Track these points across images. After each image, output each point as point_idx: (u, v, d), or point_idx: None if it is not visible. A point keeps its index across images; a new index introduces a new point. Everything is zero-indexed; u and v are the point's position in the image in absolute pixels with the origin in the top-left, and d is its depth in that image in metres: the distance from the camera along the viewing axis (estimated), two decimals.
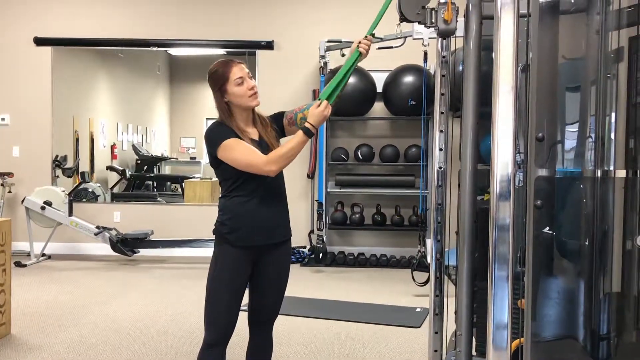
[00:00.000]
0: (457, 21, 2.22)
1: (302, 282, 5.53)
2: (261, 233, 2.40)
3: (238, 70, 2.38)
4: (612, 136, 1.95)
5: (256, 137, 2.44)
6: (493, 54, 1.79)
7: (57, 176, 7.07)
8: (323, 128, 6.38)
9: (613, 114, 1.96)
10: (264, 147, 2.42)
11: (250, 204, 2.37)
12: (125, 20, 6.89)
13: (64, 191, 6.48)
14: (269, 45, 6.74)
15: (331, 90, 2.34)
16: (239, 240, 2.37)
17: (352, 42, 2.39)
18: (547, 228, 1.90)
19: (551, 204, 1.92)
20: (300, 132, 2.30)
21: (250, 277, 2.45)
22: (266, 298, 2.49)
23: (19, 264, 6.04)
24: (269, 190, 2.42)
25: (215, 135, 2.36)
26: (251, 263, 2.41)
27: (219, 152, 2.33)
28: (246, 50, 6.79)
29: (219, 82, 2.39)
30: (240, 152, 2.32)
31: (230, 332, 2.40)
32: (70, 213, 6.34)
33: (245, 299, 2.47)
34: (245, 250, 2.38)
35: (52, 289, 5.18)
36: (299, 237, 6.58)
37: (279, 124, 2.56)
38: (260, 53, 6.74)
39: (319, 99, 2.34)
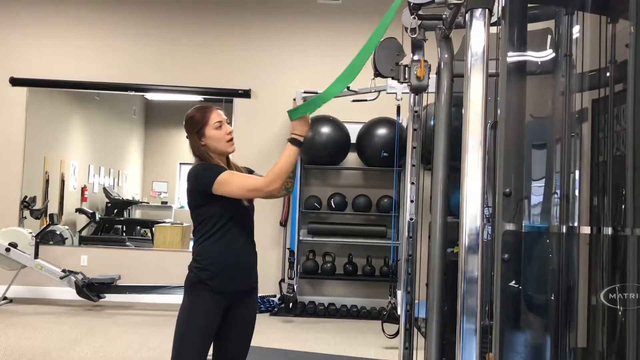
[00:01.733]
0: (429, 78, 2.30)
1: (271, 332, 5.44)
2: (241, 277, 2.41)
3: (216, 116, 2.43)
4: (577, 193, 2.01)
5: None
6: (463, 111, 1.85)
7: (25, 217, 6.93)
8: (297, 176, 6.41)
9: (577, 172, 2.03)
10: None
11: (233, 247, 2.37)
12: (103, 64, 6.92)
13: (30, 233, 6.34)
14: (246, 94, 6.82)
15: (311, 108, 2.32)
16: (221, 285, 2.35)
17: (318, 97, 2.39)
18: (514, 282, 1.92)
19: (518, 258, 1.96)
20: (288, 144, 2.32)
21: (220, 325, 2.42)
22: (233, 346, 2.45)
23: None
24: (248, 233, 2.44)
25: (208, 173, 2.35)
26: (223, 310, 2.39)
27: (215, 187, 2.31)
28: (223, 97, 6.86)
29: (197, 125, 2.41)
30: (238, 181, 2.33)
31: None
32: (36, 255, 6.18)
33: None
34: (224, 296, 2.36)
35: (12, 334, 5.01)
36: (269, 286, 6.51)
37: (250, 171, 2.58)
38: (237, 101, 6.81)
39: (296, 116, 2.32)
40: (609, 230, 1.92)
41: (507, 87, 1.87)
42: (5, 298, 6.25)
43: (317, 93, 6.44)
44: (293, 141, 2.32)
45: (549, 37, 2.08)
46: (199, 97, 7.00)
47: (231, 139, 2.44)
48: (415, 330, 2.37)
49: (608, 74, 1.95)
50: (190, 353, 2.32)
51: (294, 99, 2.43)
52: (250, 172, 2.58)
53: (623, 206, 1.91)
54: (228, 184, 2.31)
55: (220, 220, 2.36)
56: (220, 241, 2.37)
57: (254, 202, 2.53)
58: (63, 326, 5.37)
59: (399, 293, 5.77)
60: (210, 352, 2.46)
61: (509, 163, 1.89)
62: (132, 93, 7.11)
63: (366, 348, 4.97)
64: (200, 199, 2.37)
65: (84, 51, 6.93)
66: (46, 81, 6.87)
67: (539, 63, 2.15)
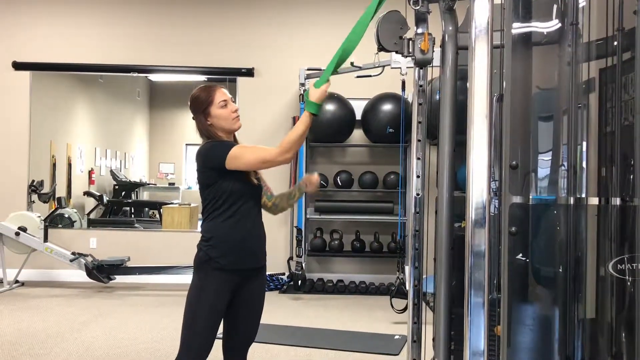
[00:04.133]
0: (433, 51, 2.27)
1: (280, 310, 5.48)
2: (250, 255, 2.43)
3: (221, 94, 2.44)
4: (584, 164, 2.00)
5: None
6: (468, 84, 1.83)
7: (33, 201, 6.97)
8: (303, 154, 6.41)
9: (584, 143, 2.01)
10: (255, 172, 2.46)
11: (242, 225, 2.39)
12: (106, 46, 6.89)
13: (39, 217, 6.38)
14: (249, 72, 6.78)
15: (331, 71, 2.32)
16: (230, 263, 2.37)
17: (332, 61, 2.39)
18: (521, 255, 1.92)
19: (525, 231, 1.95)
20: (306, 113, 2.30)
21: (230, 304, 2.44)
22: (243, 324, 2.47)
23: None
24: (257, 212, 2.46)
25: (220, 148, 2.37)
26: (233, 288, 2.40)
27: (228, 162, 2.32)
28: (227, 77, 6.83)
29: (202, 105, 2.42)
30: (251, 152, 2.35)
31: (205, 359, 2.38)
32: (46, 239, 6.23)
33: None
34: (233, 274, 2.38)
35: (25, 316, 5.07)
36: (278, 264, 6.55)
37: None
38: (240, 80, 6.78)
39: (321, 81, 2.32)
40: (617, 201, 1.91)
41: (513, 58, 1.85)
42: (17, 281, 6.32)
43: (320, 70, 6.42)
44: (313, 110, 2.31)
45: (555, 6, 2.04)
46: (203, 77, 6.96)
47: (237, 117, 2.46)
48: (424, 304, 2.38)
49: (615, 43, 1.92)
50: (200, 331, 2.34)
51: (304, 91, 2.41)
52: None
53: (631, 176, 1.90)
54: (242, 156, 2.33)
55: (229, 199, 2.37)
56: (230, 219, 2.38)
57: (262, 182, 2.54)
58: (74, 308, 5.43)
59: (407, 268, 5.79)
60: (221, 329, 2.48)
61: (516, 135, 1.87)
62: (135, 74, 7.07)
63: (375, 323, 5.00)
64: (211, 177, 2.37)
65: (85, 33, 6.89)
66: (49, 64, 6.85)
67: (545, 33, 2.11)
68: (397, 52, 2.31)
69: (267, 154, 2.33)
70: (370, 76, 5.74)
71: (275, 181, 6.64)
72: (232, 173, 2.35)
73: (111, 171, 8.88)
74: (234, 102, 2.49)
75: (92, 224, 7.98)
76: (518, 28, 1.95)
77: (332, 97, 6.27)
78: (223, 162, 2.32)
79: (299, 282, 6.24)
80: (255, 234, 2.45)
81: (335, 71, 2.32)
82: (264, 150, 2.36)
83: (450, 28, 2.22)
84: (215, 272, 2.36)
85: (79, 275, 6.36)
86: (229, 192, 2.36)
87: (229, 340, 2.49)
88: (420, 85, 2.39)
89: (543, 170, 2.05)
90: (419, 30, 2.31)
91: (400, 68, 5.55)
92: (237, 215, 2.38)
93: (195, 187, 2.55)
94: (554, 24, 2.08)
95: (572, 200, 1.95)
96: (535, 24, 2.05)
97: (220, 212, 2.39)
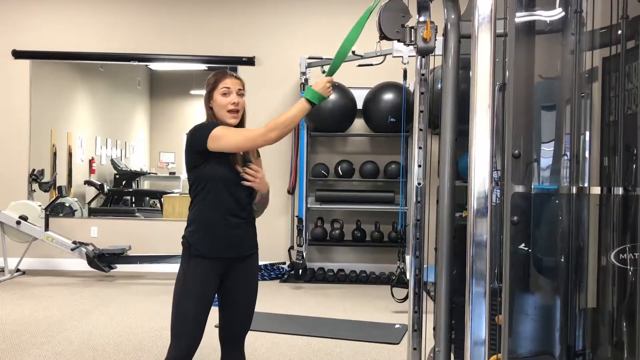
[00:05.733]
0: (435, 40, 2.25)
1: (281, 298, 5.49)
2: (231, 245, 2.37)
3: (227, 82, 2.39)
4: (587, 154, 1.99)
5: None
6: (471, 73, 1.82)
7: (34, 190, 6.97)
8: (304, 144, 6.40)
9: (587, 132, 2.00)
10: (245, 160, 2.41)
11: (221, 213, 2.34)
12: (106, 34, 6.86)
13: (40, 205, 6.38)
14: (250, 61, 6.75)
15: (337, 65, 2.34)
16: (210, 251, 2.34)
17: (332, 60, 2.41)
18: (524, 245, 1.92)
19: (527, 220, 1.94)
20: (302, 100, 2.27)
21: (219, 293, 2.43)
22: (236, 313, 2.46)
23: None
24: (240, 200, 2.38)
25: (203, 129, 2.33)
26: (219, 276, 2.39)
27: (209, 143, 2.28)
28: (227, 65, 6.78)
29: (208, 87, 2.41)
30: (234, 132, 2.31)
31: (196, 347, 2.36)
32: (47, 228, 6.24)
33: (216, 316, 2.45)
34: (216, 262, 2.35)
35: (26, 305, 5.08)
36: (279, 253, 6.56)
37: (257, 151, 2.55)
38: (241, 69, 6.76)
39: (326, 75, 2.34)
40: (619, 190, 1.90)
41: (516, 47, 1.83)
42: (18, 270, 6.33)
43: (321, 59, 6.39)
44: (309, 99, 2.27)
45: None
46: (203, 66, 6.94)
47: (233, 110, 2.38)
48: (424, 294, 2.38)
49: (620, 31, 1.90)
50: (185, 319, 2.32)
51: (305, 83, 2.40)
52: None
53: (634, 165, 1.89)
54: (224, 136, 2.28)
55: (209, 184, 2.33)
56: (209, 206, 2.35)
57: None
58: (76, 296, 5.45)
59: (408, 258, 5.79)
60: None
61: (518, 125, 1.86)
62: (136, 63, 7.05)
63: (376, 312, 5.01)
64: (194, 159, 2.35)
65: (86, 22, 6.86)
66: (49, 53, 6.83)
67: (548, 21, 2.10)
68: (399, 41, 2.29)
69: (249, 133, 2.29)
70: (371, 65, 5.72)
71: (275, 174, 6.67)
72: (216, 158, 2.31)
73: (112, 160, 8.87)
74: (242, 95, 2.41)
75: (92, 213, 7.98)
76: (521, 16, 1.93)
77: (332, 86, 6.22)
78: (205, 143, 2.28)
79: (300, 271, 6.26)
80: (235, 223, 2.37)
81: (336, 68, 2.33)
82: (248, 129, 2.33)
83: (453, 16, 2.21)
84: (197, 259, 2.34)
85: (80, 264, 6.38)
86: (211, 178, 2.33)
87: (224, 329, 2.48)
88: (422, 74, 2.38)
89: (545, 160, 2.04)
90: (421, 19, 2.30)
91: (402, 57, 5.53)
92: (217, 203, 2.33)
93: None
94: (558, 12, 2.06)
95: (574, 190, 1.95)
96: (539, 12, 2.04)
97: (201, 197, 2.36)
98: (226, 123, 2.38)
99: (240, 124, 2.44)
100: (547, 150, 2.06)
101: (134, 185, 9.06)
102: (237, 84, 2.40)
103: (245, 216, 2.42)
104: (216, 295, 2.44)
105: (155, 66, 8.00)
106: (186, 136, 2.39)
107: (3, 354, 3.78)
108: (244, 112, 2.45)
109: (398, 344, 4.13)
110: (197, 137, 2.33)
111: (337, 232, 6.58)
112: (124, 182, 8.92)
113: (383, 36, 2.30)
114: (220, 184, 2.33)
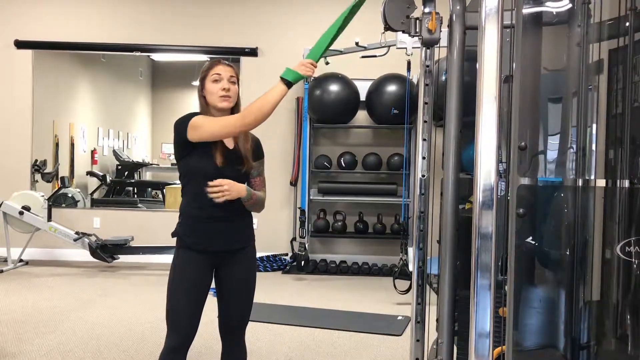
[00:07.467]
0: (441, 31, 2.24)
1: (283, 290, 5.51)
2: (218, 238, 2.35)
3: (221, 69, 2.36)
4: (593, 146, 1.98)
5: (231, 146, 2.39)
6: (477, 64, 1.81)
7: (36, 181, 6.97)
8: (306, 136, 6.39)
9: (594, 125, 1.99)
10: (237, 158, 2.38)
11: (206, 206, 2.31)
12: (108, 25, 6.84)
13: (43, 196, 6.39)
14: (252, 52, 6.73)
15: (321, 51, 2.31)
16: (196, 244, 2.34)
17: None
18: (530, 238, 1.91)
19: (533, 213, 1.94)
20: (279, 82, 2.23)
21: (216, 284, 2.43)
22: (232, 304, 2.44)
23: None
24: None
25: (183, 120, 2.31)
26: (211, 268, 2.38)
27: (189, 133, 2.27)
28: (230, 56, 6.77)
29: (201, 75, 2.39)
30: (211, 121, 2.28)
31: (192, 337, 2.36)
32: (49, 218, 6.25)
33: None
34: (206, 255, 2.35)
35: (30, 295, 5.10)
36: (281, 245, 6.57)
37: (258, 152, 2.51)
38: (244, 60, 6.73)
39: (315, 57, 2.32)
40: (625, 183, 1.90)
41: (523, 38, 1.82)
42: (21, 260, 6.35)
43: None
44: (287, 82, 2.23)
45: None
46: (205, 57, 6.92)
47: (225, 96, 2.33)
48: (427, 286, 2.38)
49: (627, 23, 1.89)
50: (179, 309, 2.32)
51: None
52: (258, 145, 2.51)
53: None
54: (202, 124, 2.26)
55: (193, 177, 2.33)
56: (194, 199, 2.34)
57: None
58: (78, 287, 5.46)
59: (411, 250, 5.80)
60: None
61: (524, 117, 1.85)
62: (138, 54, 7.03)
63: (378, 304, 5.02)
64: (179, 151, 2.35)
65: (88, 12, 6.84)
66: (51, 43, 6.81)
67: (555, 13, 2.08)
68: (404, 32, 2.27)
69: (226, 120, 2.26)
70: (375, 56, 5.70)
71: (278, 165, 6.67)
72: (200, 150, 2.30)
73: (114, 151, 8.88)
74: (235, 83, 2.37)
75: (95, 203, 8.00)
76: (529, 7, 1.92)
77: (336, 77, 6.22)
78: (185, 134, 2.28)
79: (302, 262, 6.27)
80: (223, 216, 2.34)
81: (322, 55, 2.31)
82: (226, 117, 2.29)
83: (458, 7, 2.19)
84: (186, 250, 2.34)
85: (83, 255, 6.39)
86: (194, 171, 2.32)
87: (223, 322, 2.48)
88: (427, 66, 2.36)
89: (551, 152, 2.03)
90: (427, 10, 2.28)
91: (406, 48, 5.51)
92: (202, 195, 2.29)
93: None
94: (565, 4, 2.05)
95: (580, 182, 1.94)
96: (546, 3, 2.02)
97: (187, 189, 2.37)
98: (218, 107, 2.35)
99: (234, 113, 2.40)
100: (553, 143, 2.05)
101: (136, 176, 9.07)
102: (229, 71, 2.37)
103: (233, 209, 2.36)
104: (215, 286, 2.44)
105: (157, 57, 7.99)
106: (174, 126, 2.37)
107: (7, 343, 3.79)
108: (238, 101, 2.42)
109: (400, 335, 4.14)
110: (178, 129, 2.32)
111: (339, 224, 6.59)
112: (126, 173, 8.94)
113: (388, 27, 2.28)
114: (201, 177, 2.31)
